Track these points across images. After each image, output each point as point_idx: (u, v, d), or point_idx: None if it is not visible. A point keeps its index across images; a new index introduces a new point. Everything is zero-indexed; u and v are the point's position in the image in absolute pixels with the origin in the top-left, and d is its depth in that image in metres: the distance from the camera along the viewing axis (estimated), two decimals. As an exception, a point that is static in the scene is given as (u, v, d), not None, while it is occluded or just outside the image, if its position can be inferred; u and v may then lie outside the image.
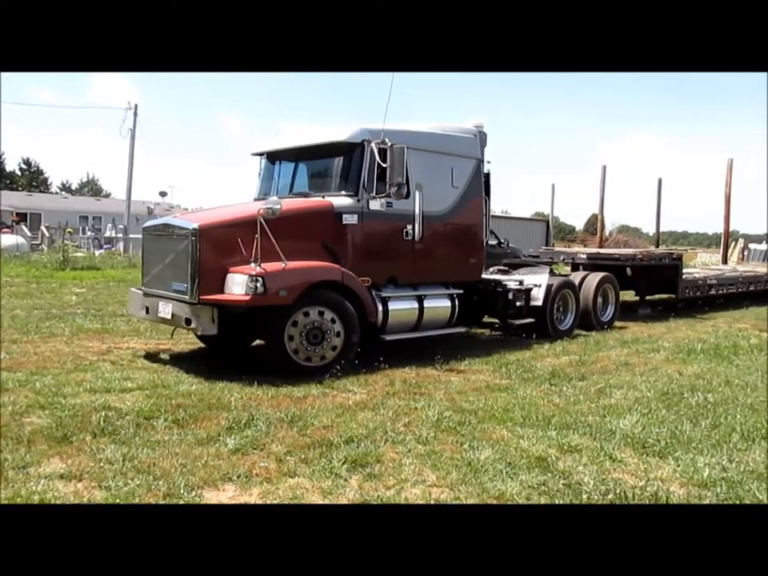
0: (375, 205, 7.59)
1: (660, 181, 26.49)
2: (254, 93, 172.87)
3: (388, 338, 7.67)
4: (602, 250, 15.97)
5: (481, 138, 8.98)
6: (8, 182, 61.25)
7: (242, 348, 8.26)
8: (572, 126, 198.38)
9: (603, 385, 6.63)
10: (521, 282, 9.62)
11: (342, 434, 4.83)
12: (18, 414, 5.13)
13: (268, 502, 3.71)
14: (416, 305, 8.00)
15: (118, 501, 3.62)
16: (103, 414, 5.12)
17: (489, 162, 9.19)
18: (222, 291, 6.68)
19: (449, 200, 8.47)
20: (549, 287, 9.74)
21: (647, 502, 3.76)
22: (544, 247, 19.17)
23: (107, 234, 37.93)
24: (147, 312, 7.34)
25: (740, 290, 15.07)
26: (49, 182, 72.52)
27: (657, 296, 14.19)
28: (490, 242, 11.07)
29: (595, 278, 11.09)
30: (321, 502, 3.72)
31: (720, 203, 23.40)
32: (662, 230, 30.34)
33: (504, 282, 9.40)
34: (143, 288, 7.55)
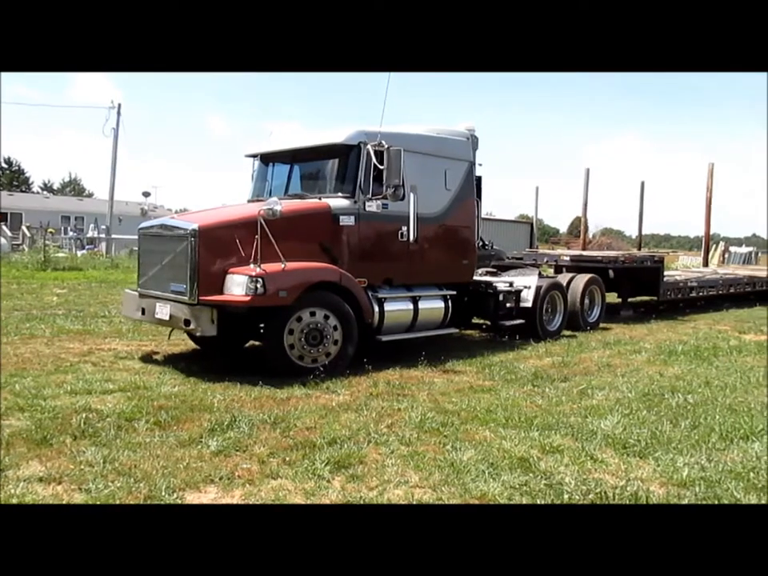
0: (371, 206, 7.66)
1: (643, 184, 26.72)
2: (238, 93, 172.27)
3: (384, 338, 7.73)
4: (585, 253, 16.09)
5: (472, 140, 9.11)
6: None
7: (235, 349, 8.28)
8: (556, 129, 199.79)
9: (585, 386, 6.68)
10: (511, 284, 9.74)
11: (325, 435, 4.82)
12: (-4, 416, 5.07)
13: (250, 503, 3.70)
14: (411, 306, 8.08)
15: (98, 503, 3.59)
16: (84, 415, 5.07)
17: (480, 165, 9.32)
18: (221, 292, 6.69)
19: (442, 202, 8.57)
20: (538, 289, 9.89)
21: (627, 502, 3.80)
22: (528, 249, 19.25)
23: (89, 235, 37.53)
24: (143, 313, 7.29)
25: (720, 292, 15.26)
26: (30, 182, 71.78)
27: (639, 298, 14.34)
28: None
29: (582, 279, 11.23)
30: (303, 503, 3.72)
31: (702, 206, 23.67)
32: (644, 232, 30.64)
33: (495, 284, 9.50)
34: (139, 289, 7.52)
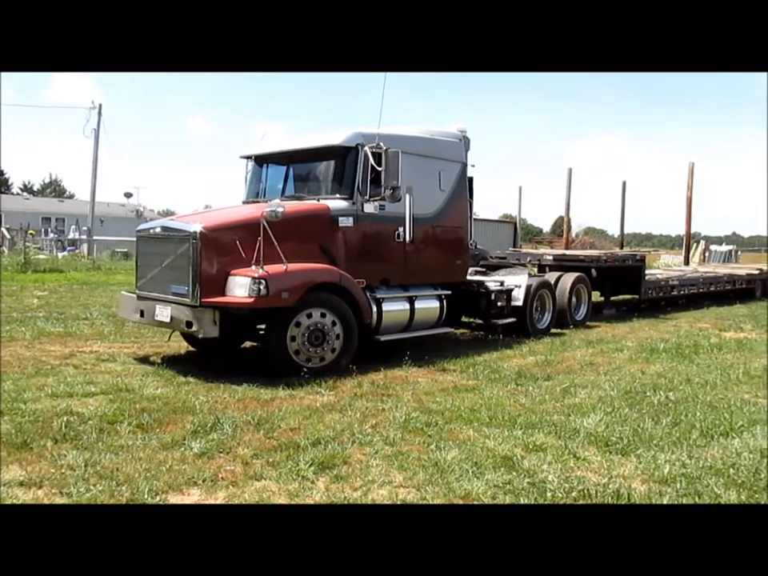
0: (369, 208, 7.73)
1: (624, 183, 26.97)
2: (220, 93, 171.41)
3: (383, 338, 7.80)
4: (567, 252, 16.20)
5: (465, 141, 9.22)
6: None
7: (232, 350, 8.30)
8: (539, 129, 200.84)
9: (568, 384, 6.73)
10: (502, 283, 9.89)
11: (309, 435, 4.81)
12: (-25, 420, 5.00)
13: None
14: (407, 306, 8.18)
15: (80, 503, 3.55)
16: (65, 419, 5.02)
17: (473, 166, 9.41)
18: (223, 293, 6.70)
19: (437, 203, 8.67)
20: (528, 288, 10.08)
21: (610, 499, 3.83)
22: (511, 249, 19.34)
23: (70, 236, 37.21)
24: (142, 315, 7.28)
25: (701, 290, 15.45)
26: (10, 183, 70.81)
27: (621, 296, 14.47)
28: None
29: (570, 278, 11.40)
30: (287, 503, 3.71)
31: (683, 205, 23.93)
32: (626, 231, 30.89)
33: (486, 283, 9.64)
34: (137, 291, 7.48)
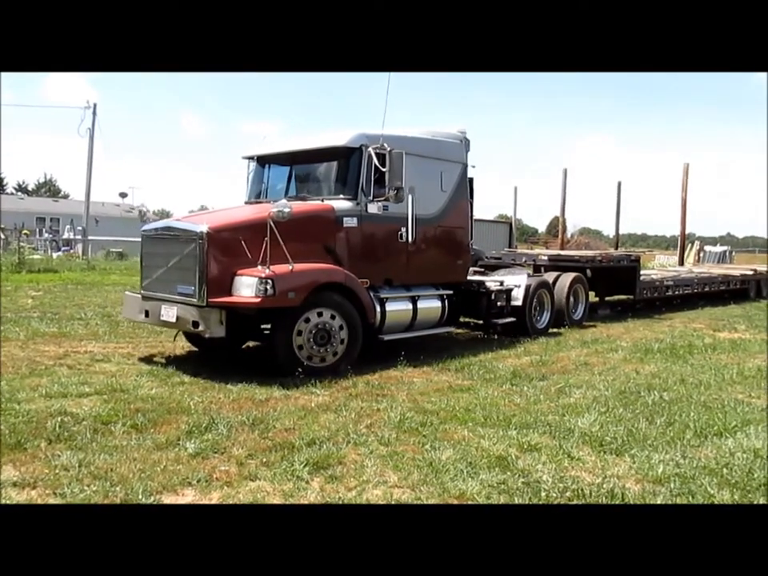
0: (373, 208, 7.78)
1: (619, 184, 27.09)
2: (214, 93, 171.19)
3: (386, 337, 7.86)
4: (562, 252, 16.24)
5: (465, 143, 9.29)
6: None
7: (235, 350, 8.33)
8: (535, 129, 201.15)
9: (563, 384, 6.74)
10: (501, 283, 9.97)
11: (304, 436, 4.81)
12: (-31, 421, 4.98)
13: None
14: (410, 305, 8.24)
15: (74, 503, 3.54)
16: (59, 419, 5.01)
17: (474, 167, 9.47)
18: (229, 293, 6.72)
19: (438, 203, 8.74)
20: (527, 287, 10.18)
21: (604, 499, 3.84)
22: (507, 249, 19.37)
23: (65, 236, 37.09)
24: (147, 315, 7.30)
25: (695, 290, 15.49)
26: (4, 183, 70.58)
27: (616, 297, 14.50)
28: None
29: (567, 278, 11.50)
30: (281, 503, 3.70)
31: (677, 206, 24.00)
32: (621, 232, 31.01)
33: (486, 283, 9.71)
34: (142, 291, 7.50)
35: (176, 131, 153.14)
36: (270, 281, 6.53)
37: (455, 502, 3.78)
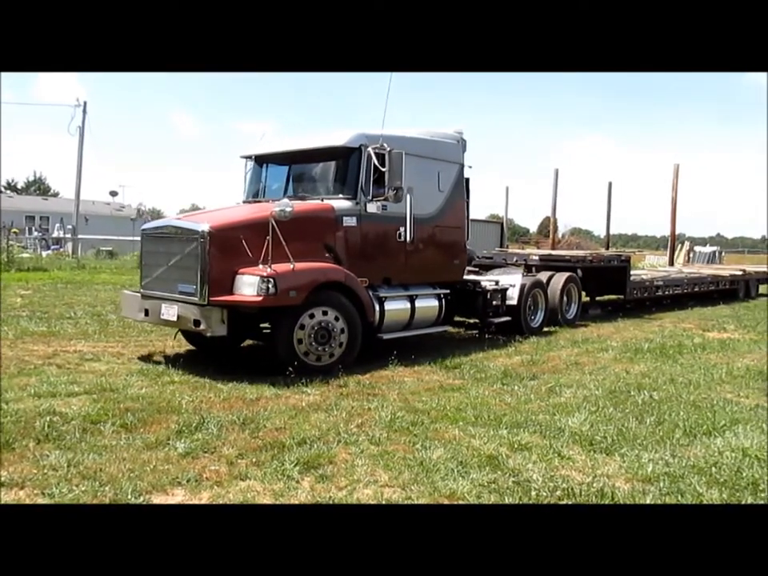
0: (372, 208, 7.84)
1: (610, 184, 27.21)
2: (205, 92, 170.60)
3: (385, 336, 7.90)
4: (553, 252, 16.28)
5: (462, 143, 9.36)
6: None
7: (233, 349, 8.33)
8: (526, 130, 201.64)
9: (553, 384, 6.76)
10: (497, 283, 10.06)
11: (295, 435, 4.80)
12: (-44, 421, 4.94)
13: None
14: (408, 305, 8.30)
15: (63, 503, 3.52)
16: (48, 419, 4.97)
17: (470, 167, 9.54)
18: (230, 292, 6.74)
19: (436, 203, 8.81)
20: (522, 287, 10.30)
21: (594, 498, 3.85)
22: (498, 249, 19.41)
23: (55, 235, 36.86)
24: (147, 314, 7.29)
25: (685, 291, 15.58)
26: (-7, 181, 69.96)
27: (606, 297, 14.56)
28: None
29: (561, 278, 11.61)
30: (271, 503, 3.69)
31: (668, 206, 24.13)
32: (612, 232, 31.14)
33: (482, 283, 9.78)
34: (142, 290, 7.48)
35: (167, 130, 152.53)
36: (271, 280, 6.56)
37: (446, 501, 3.78)
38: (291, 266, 6.74)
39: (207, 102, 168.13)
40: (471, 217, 9.86)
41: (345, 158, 7.92)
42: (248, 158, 8.94)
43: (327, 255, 7.49)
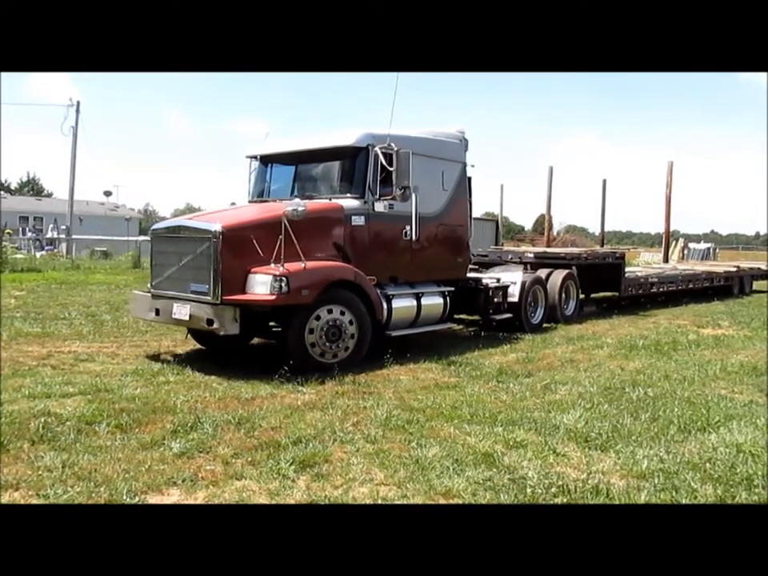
0: (379, 207, 7.94)
1: (605, 182, 27.26)
2: (200, 91, 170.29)
3: (393, 333, 7.99)
4: (548, 249, 16.33)
5: (464, 142, 9.46)
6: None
7: (242, 347, 8.37)
8: (521, 128, 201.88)
9: (549, 381, 6.77)
10: (498, 280, 10.16)
11: (290, 434, 4.80)
12: (-50, 422, 4.92)
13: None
14: (414, 302, 8.40)
15: (57, 503, 3.51)
16: (42, 420, 4.96)
17: (473, 166, 9.59)
18: (242, 291, 6.80)
19: (440, 202, 8.91)
20: (523, 284, 10.44)
21: (589, 495, 3.86)
22: (493, 246, 19.43)
23: (49, 235, 36.73)
24: (158, 314, 7.32)
25: (680, 287, 15.61)
26: (-13, 182, 69.62)
27: (601, 294, 14.58)
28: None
29: (560, 275, 11.66)
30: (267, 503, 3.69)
31: (662, 203, 24.20)
32: (607, 229, 31.23)
33: (484, 280, 9.89)
34: (152, 290, 7.50)
35: (162, 129, 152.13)
36: (284, 278, 6.63)
37: (441, 499, 3.79)
38: (303, 265, 6.81)
39: (202, 101, 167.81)
40: (469, 215, 9.90)
41: (352, 158, 8.00)
42: (253, 157, 8.99)
43: (336, 254, 7.56)
